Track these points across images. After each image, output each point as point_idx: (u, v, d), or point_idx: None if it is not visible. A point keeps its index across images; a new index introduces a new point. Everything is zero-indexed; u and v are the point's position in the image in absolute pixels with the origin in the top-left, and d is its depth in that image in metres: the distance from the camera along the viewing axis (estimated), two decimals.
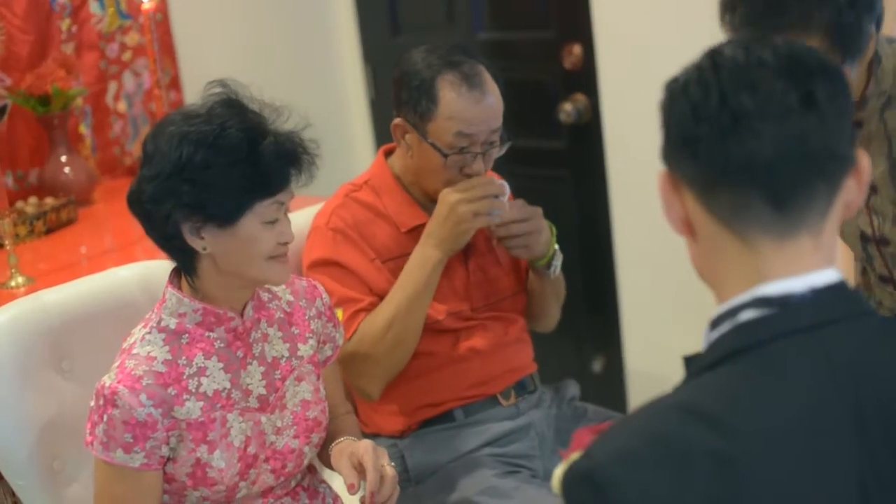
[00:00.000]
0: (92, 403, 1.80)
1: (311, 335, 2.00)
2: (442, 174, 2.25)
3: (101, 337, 2.09)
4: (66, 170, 3.16)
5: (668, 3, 3.07)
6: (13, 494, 2.10)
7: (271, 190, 1.77)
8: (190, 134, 1.74)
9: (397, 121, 2.29)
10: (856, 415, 1.11)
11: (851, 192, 1.19)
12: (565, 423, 2.40)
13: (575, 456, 1.22)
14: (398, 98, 2.28)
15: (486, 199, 2.20)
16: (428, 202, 2.33)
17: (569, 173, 3.46)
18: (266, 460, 1.89)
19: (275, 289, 1.99)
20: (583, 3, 3.23)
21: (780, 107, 1.13)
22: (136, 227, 3.08)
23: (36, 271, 2.62)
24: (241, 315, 1.89)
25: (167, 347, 1.83)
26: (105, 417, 1.77)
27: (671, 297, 3.24)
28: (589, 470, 1.11)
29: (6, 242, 2.52)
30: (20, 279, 2.53)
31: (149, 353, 1.82)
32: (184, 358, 1.83)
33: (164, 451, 1.80)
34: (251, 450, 1.86)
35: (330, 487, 2.08)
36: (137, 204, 1.81)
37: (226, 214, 1.75)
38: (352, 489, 1.83)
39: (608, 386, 3.45)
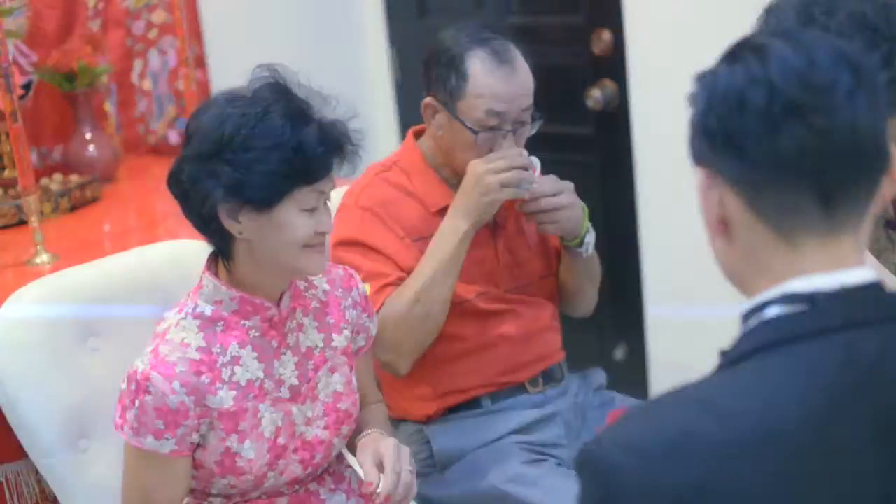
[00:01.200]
0: (123, 386, 1.78)
1: (346, 325, 1.98)
2: (472, 152, 2.22)
3: (128, 316, 2.08)
4: (91, 147, 3.15)
5: None
6: (37, 472, 2.10)
7: (312, 177, 1.75)
8: (233, 115, 1.72)
9: (427, 100, 2.28)
10: (876, 420, 1.09)
11: (885, 188, 1.17)
12: (592, 411, 2.39)
13: None
14: (428, 77, 2.27)
15: (514, 171, 2.17)
16: (457, 182, 2.31)
17: (595, 160, 3.43)
18: (295, 451, 1.87)
19: (311, 277, 1.97)
20: None
21: (831, 100, 1.11)
22: (159, 207, 3.12)
23: (59, 249, 2.60)
24: (278, 305, 1.87)
25: (202, 334, 1.81)
26: (137, 403, 1.75)
27: (696, 285, 3.21)
28: (595, 455, 1.11)
29: (32, 219, 2.50)
30: (45, 256, 2.51)
31: (183, 339, 1.80)
32: (218, 346, 1.81)
33: (195, 437, 1.79)
34: (281, 440, 1.85)
35: (356, 472, 2.06)
36: (176, 183, 1.78)
37: (264, 198, 1.73)
38: (369, 486, 1.82)
39: (630, 374, 3.43)
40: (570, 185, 2.30)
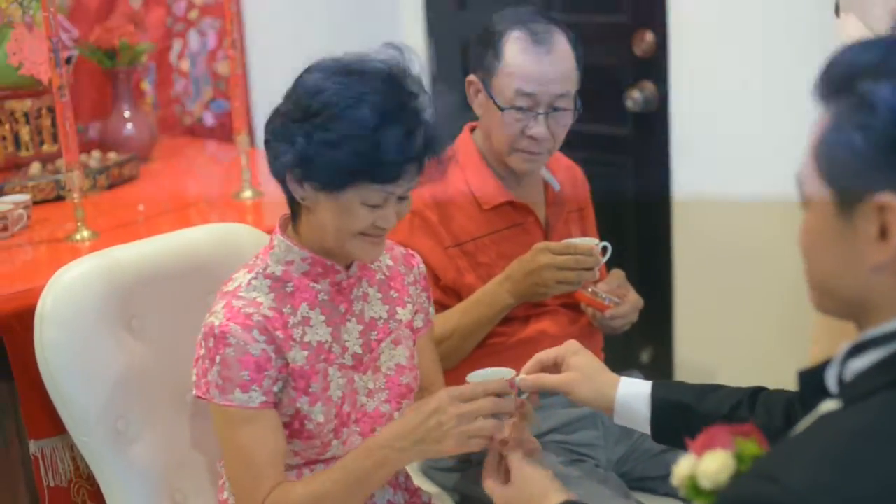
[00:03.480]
0: (201, 351, 1.76)
1: (408, 299, 1.96)
2: (503, 131, 2.23)
3: (171, 297, 2.08)
4: (129, 125, 3.15)
5: None
6: (72, 449, 2.09)
7: (380, 179, 1.69)
8: (330, 89, 1.67)
9: (470, 77, 2.30)
10: None
11: None
12: None
13: (717, 455, 1.17)
14: (474, 55, 2.30)
15: (576, 272, 2.15)
16: (507, 175, 2.31)
17: (631, 161, 3.42)
18: (356, 421, 1.85)
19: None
20: None
21: None
22: (192, 190, 3.10)
23: (96, 226, 2.60)
24: (347, 270, 1.85)
25: (272, 295, 1.79)
26: (218, 359, 1.73)
27: (726, 291, 3.21)
28: (785, 502, 1.04)
29: (74, 195, 2.49)
30: (86, 233, 2.50)
31: (255, 298, 1.78)
32: (289, 306, 1.80)
33: (277, 389, 1.77)
34: (346, 407, 1.83)
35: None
36: (265, 131, 1.78)
37: (326, 182, 1.70)
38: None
39: (656, 377, 3.39)
40: (638, 305, 2.37)
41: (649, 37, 3.26)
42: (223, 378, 1.73)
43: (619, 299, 2.29)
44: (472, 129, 2.39)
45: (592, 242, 2.20)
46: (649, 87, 3.29)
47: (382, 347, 1.90)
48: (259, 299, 1.78)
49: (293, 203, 1.80)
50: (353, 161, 1.66)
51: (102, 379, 1.97)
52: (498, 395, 1.69)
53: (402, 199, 1.77)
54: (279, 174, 1.76)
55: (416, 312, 2.00)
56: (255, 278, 1.81)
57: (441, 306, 2.25)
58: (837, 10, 2.42)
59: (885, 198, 1.11)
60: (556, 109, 2.23)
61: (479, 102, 2.29)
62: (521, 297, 2.19)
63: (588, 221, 2.50)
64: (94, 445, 1.98)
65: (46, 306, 1.94)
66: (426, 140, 1.70)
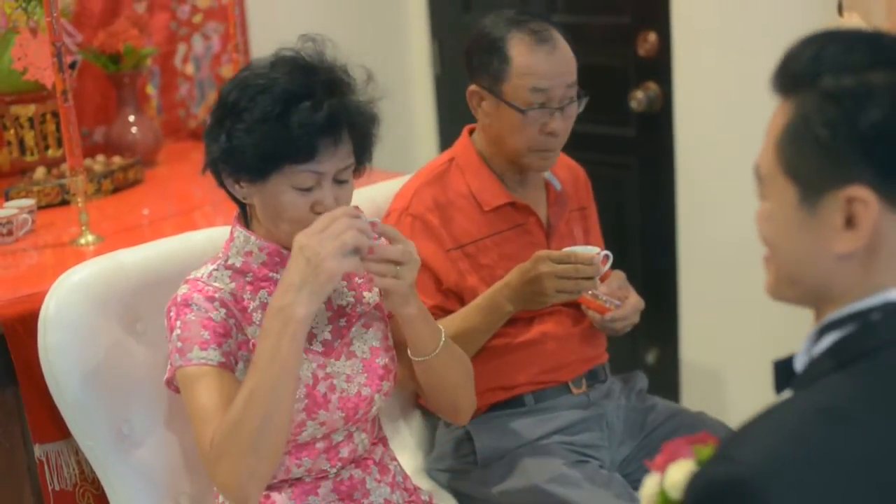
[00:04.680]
0: (168, 334, 1.80)
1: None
2: (522, 133, 2.23)
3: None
4: (134, 130, 3.16)
5: None
6: (77, 452, 2.09)
7: (297, 157, 1.72)
8: (244, 82, 1.74)
9: (472, 87, 2.29)
10: None
11: None
12: (634, 414, 2.38)
13: (680, 464, 1.18)
14: (470, 65, 2.29)
15: (575, 281, 2.15)
16: (511, 177, 2.31)
17: (635, 161, 3.42)
18: (339, 407, 1.85)
19: None
20: None
21: None
22: (197, 193, 3.10)
23: (101, 230, 2.60)
24: None
25: (233, 284, 1.84)
26: (179, 324, 1.77)
27: (731, 292, 3.20)
28: (741, 475, 1.06)
29: (78, 200, 2.49)
30: (90, 237, 2.50)
31: (216, 286, 1.82)
32: (248, 292, 1.84)
33: (237, 365, 1.78)
34: (320, 389, 1.84)
35: (400, 465, 2.04)
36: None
37: (250, 171, 1.74)
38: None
39: (661, 378, 3.42)
40: (639, 307, 2.36)
41: (652, 37, 3.26)
42: (182, 340, 1.76)
43: (619, 302, 2.29)
44: (471, 132, 2.38)
45: (593, 251, 2.19)
46: (653, 87, 3.29)
47: (353, 333, 1.92)
48: (220, 286, 1.83)
49: (237, 201, 1.85)
50: (266, 144, 1.70)
51: (106, 383, 1.98)
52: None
53: (340, 182, 1.79)
54: (216, 175, 1.81)
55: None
56: (217, 269, 1.86)
57: (443, 311, 2.24)
58: (840, 9, 2.42)
59: (853, 191, 1.13)
60: (569, 101, 2.24)
61: (484, 111, 2.28)
62: (520, 305, 2.19)
63: (591, 221, 2.50)
64: (99, 449, 1.99)
65: (50, 310, 1.95)
66: (336, 114, 1.72)
